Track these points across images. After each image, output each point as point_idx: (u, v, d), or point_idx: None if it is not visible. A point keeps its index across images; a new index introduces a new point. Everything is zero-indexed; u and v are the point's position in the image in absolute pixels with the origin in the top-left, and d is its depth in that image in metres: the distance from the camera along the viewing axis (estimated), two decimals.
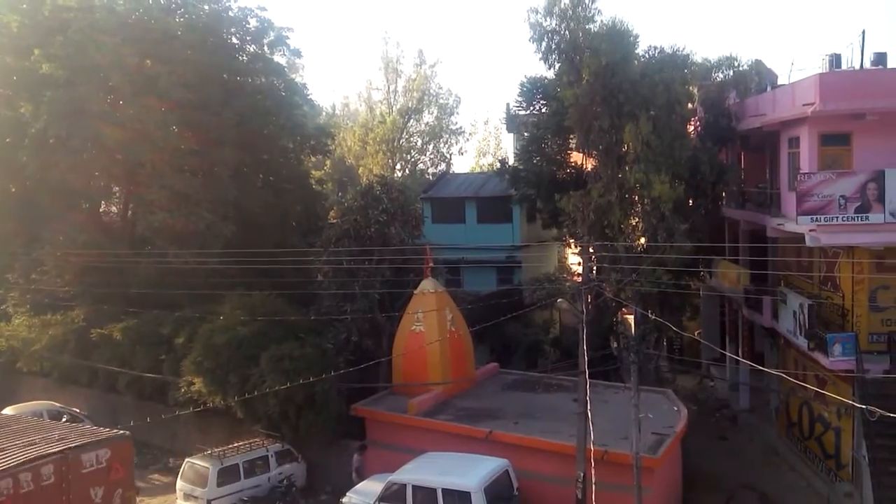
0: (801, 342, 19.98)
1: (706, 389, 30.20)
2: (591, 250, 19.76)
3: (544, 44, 24.97)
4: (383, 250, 24.01)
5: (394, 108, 52.54)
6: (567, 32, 24.58)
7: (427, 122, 53.84)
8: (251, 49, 32.00)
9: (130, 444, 17.82)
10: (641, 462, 16.57)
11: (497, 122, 58.99)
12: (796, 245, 20.81)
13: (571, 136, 26.57)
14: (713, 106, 26.29)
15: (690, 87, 24.72)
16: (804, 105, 19.56)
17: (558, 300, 28.52)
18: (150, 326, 26.55)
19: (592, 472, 16.21)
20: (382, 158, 51.00)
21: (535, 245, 34.39)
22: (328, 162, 46.48)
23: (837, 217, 18.58)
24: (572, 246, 27.97)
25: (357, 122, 54.57)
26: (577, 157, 28.07)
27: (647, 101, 23.11)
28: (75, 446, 16.38)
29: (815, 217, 18.74)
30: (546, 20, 24.83)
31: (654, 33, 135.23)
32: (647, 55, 25.19)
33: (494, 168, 37.22)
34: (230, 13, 30.94)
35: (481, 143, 61.39)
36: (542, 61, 25.53)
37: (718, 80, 27.02)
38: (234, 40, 31.56)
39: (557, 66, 25.48)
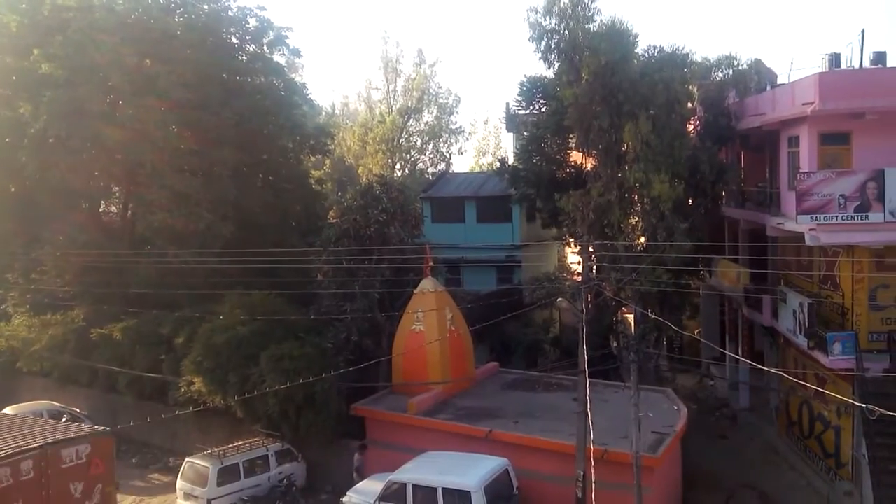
0: (801, 341, 19.99)
1: (706, 388, 30.21)
2: (590, 249, 19.77)
3: (544, 43, 24.99)
4: (383, 250, 24.01)
5: (393, 108, 52.54)
6: (566, 32, 24.59)
7: (427, 122, 53.88)
8: (251, 49, 31.97)
9: (111, 440, 18.00)
10: (641, 461, 16.57)
11: (497, 122, 59.05)
12: (796, 244, 20.83)
13: (571, 136, 26.58)
14: (713, 105, 26.30)
15: (690, 87, 24.73)
16: (804, 104, 19.56)
17: (558, 299, 28.55)
18: (149, 326, 26.55)
19: (592, 471, 16.21)
20: (382, 158, 50.99)
21: (534, 244, 34.41)
22: (328, 161, 46.47)
23: (837, 216, 18.57)
24: (572, 245, 27.97)
25: (356, 121, 54.56)
26: (576, 156, 28.08)
27: (647, 101, 23.12)
28: (54, 442, 16.51)
29: (814, 216, 18.74)
30: (545, 19, 24.85)
31: (653, 33, 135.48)
32: (646, 54, 25.22)
33: (494, 167, 37.20)
34: (230, 13, 30.92)
35: (481, 143, 61.46)
36: (541, 61, 25.60)
37: (718, 79, 27.04)
38: (234, 40, 31.54)
39: (557, 65, 25.51)
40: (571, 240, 26.96)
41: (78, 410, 27.63)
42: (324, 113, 52.90)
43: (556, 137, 28.01)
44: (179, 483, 21.28)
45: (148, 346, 26.22)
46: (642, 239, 23.88)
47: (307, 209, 33.44)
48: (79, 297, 29.17)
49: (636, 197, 24.00)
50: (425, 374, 22.88)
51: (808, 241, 19.19)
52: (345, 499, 19.49)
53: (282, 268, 24.58)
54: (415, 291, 23.74)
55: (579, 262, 21.23)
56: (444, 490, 17.26)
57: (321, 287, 25.02)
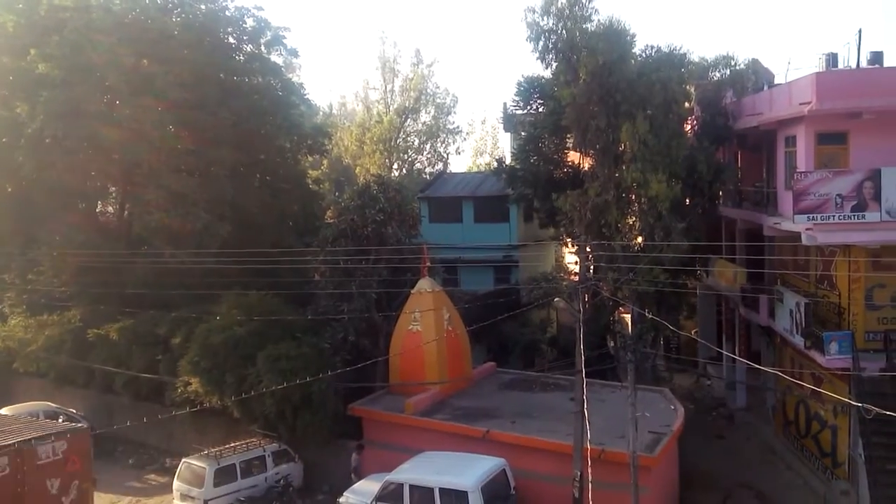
0: (798, 341, 20.01)
1: (703, 388, 30.23)
2: (588, 249, 19.79)
3: (541, 43, 25.00)
4: (380, 250, 24.01)
5: (391, 108, 52.50)
6: (564, 32, 24.60)
7: (424, 122, 53.82)
8: (248, 49, 31.97)
9: (87, 437, 18.18)
10: (638, 461, 16.57)
11: (494, 122, 59.14)
12: (793, 244, 20.86)
13: (568, 136, 26.59)
14: (710, 105, 26.32)
15: (687, 87, 24.76)
16: (801, 104, 19.57)
17: (555, 299, 28.55)
18: (146, 326, 26.50)
19: (589, 471, 16.22)
20: (379, 158, 50.96)
21: (532, 244, 34.37)
22: (325, 161, 46.45)
23: (834, 216, 18.59)
24: (569, 245, 28.01)
25: (354, 121, 54.54)
26: (574, 156, 28.08)
27: (644, 101, 23.13)
28: (30, 438, 16.67)
29: (811, 216, 18.75)
30: (543, 19, 24.86)
31: (650, 32, 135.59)
32: (643, 54, 25.23)
33: (491, 167, 37.25)
34: (227, 13, 30.91)
35: (478, 143, 61.46)
36: (539, 61, 25.62)
37: (715, 79, 27.05)
38: (231, 40, 31.52)
39: (554, 65, 25.51)
40: (569, 240, 26.99)
41: (74, 411, 27.57)
42: (321, 113, 52.88)
43: (554, 137, 28.01)
44: (176, 484, 21.22)
45: (144, 347, 26.17)
46: (639, 239, 23.88)
47: (304, 209, 33.43)
48: (75, 298, 29.12)
49: (633, 197, 24.00)
50: (422, 375, 22.87)
51: (804, 241, 19.22)
52: (342, 499, 19.46)
53: (279, 268, 24.56)
54: (412, 291, 23.71)
55: (577, 262, 21.28)
56: (441, 490, 17.25)
57: (318, 287, 25.01)
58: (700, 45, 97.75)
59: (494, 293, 30.17)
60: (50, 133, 26.34)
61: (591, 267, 24.03)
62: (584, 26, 24.52)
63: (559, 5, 24.63)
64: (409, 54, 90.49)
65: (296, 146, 33.90)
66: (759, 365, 22.14)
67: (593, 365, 20.88)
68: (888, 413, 11.91)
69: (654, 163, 22.42)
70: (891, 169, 18.46)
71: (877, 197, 18.36)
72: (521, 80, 31.19)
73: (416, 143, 54.21)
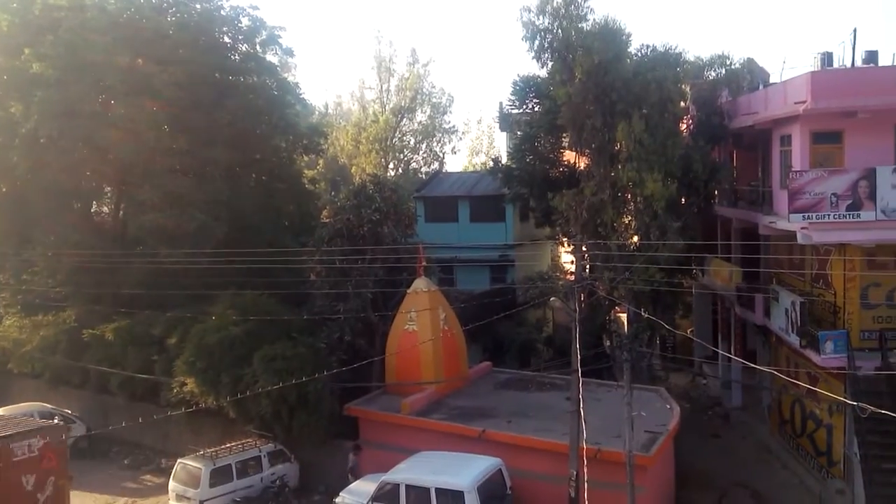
0: (793, 340, 20.04)
1: (699, 387, 30.26)
2: (583, 249, 19.77)
3: (537, 42, 24.98)
4: (376, 249, 23.97)
5: (387, 107, 52.46)
6: (559, 31, 24.59)
7: (420, 121, 53.81)
8: (243, 48, 31.88)
9: (64, 435, 18.36)
10: (634, 460, 16.60)
11: (490, 121, 59.08)
12: (788, 243, 20.88)
13: (564, 135, 26.58)
14: (705, 104, 26.32)
15: (683, 86, 24.76)
16: (796, 103, 19.60)
17: (551, 299, 28.54)
18: (141, 327, 26.46)
19: (585, 470, 16.19)
20: (375, 157, 50.93)
21: (528, 244, 34.35)
22: (321, 161, 46.38)
23: (829, 215, 18.61)
24: (565, 244, 28.01)
25: (350, 121, 54.49)
26: (569, 155, 28.07)
27: (640, 100, 23.14)
28: (5, 436, 16.77)
29: (806, 215, 18.76)
30: (539, 19, 24.84)
31: (646, 32, 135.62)
32: (639, 54, 25.22)
33: (487, 167, 37.16)
34: (222, 12, 30.84)
35: (474, 142, 61.38)
36: (534, 60, 25.60)
37: (711, 78, 27.05)
38: (227, 39, 31.45)
39: (550, 64, 25.48)
40: (565, 239, 26.99)
41: (69, 412, 27.54)
42: (317, 112, 52.76)
43: (550, 137, 27.99)
44: (172, 484, 21.19)
45: (140, 347, 26.13)
46: (635, 238, 23.89)
47: (300, 209, 33.39)
48: (70, 298, 29.04)
49: (629, 196, 24.01)
50: (418, 374, 22.85)
51: (800, 240, 19.25)
52: (338, 499, 19.45)
53: (275, 268, 24.51)
54: (408, 291, 23.71)
55: (572, 262, 21.25)
56: (438, 490, 17.23)
57: (314, 287, 24.98)
58: (695, 45, 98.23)
59: (490, 293, 30.18)
60: (45, 133, 26.28)
61: (587, 266, 24.02)
62: (579, 25, 24.52)
63: (555, 4, 24.62)
64: (404, 54, 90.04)
65: (291, 146, 33.85)
66: (755, 364, 22.16)
67: (589, 364, 20.89)
68: (883, 412, 11.94)
69: (649, 162, 22.44)
70: (886, 168, 18.50)
71: (872, 196, 18.37)
72: (517, 79, 31.18)
73: (412, 142, 54.21)
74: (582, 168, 26.00)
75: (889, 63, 21.97)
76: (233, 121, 28.73)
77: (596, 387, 22.73)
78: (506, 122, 36.06)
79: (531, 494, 18.79)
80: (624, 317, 30.07)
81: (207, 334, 22.97)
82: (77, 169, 28.58)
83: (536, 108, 30.10)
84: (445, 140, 55.13)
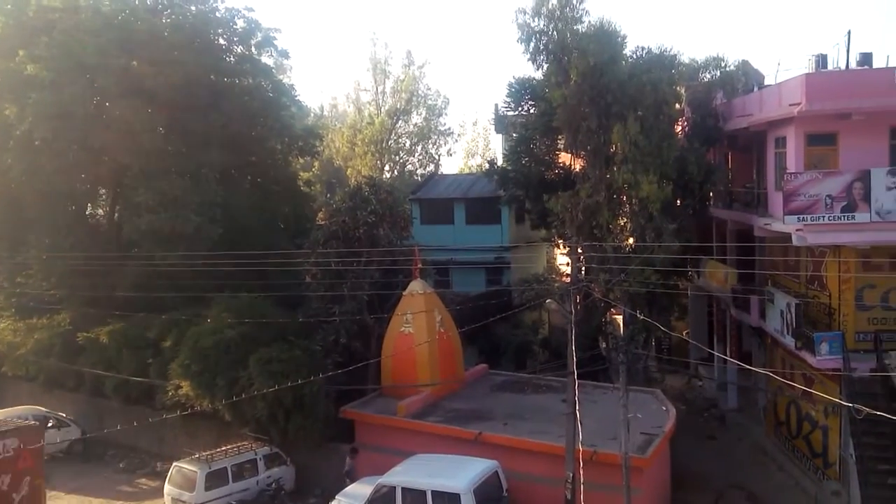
0: (789, 341, 20.06)
1: (694, 389, 30.29)
2: (579, 251, 19.76)
3: (532, 44, 25.01)
4: (372, 252, 23.94)
5: (382, 109, 52.43)
6: (555, 33, 24.61)
7: (415, 123, 53.78)
8: (238, 50, 31.84)
9: (40, 435, 18.53)
10: (630, 462, 16.60)
11: (485, 123, 59.03)
12: (783, 245, 20.90)
13: (560, 137, 26.59)
14: (700, 106, 26.38)
15: (678, 88, 24.79)
16: (790, 105, 19.65)
17: (547, 301, 28.53)
18: (136, 330, 26.37)
19: (581, 472, 16.22)
20: (371, 160, 50.89)
21: (523, 246, 34.41)
22: (316, 163, 46.32)
23: (824, 216, 18.66)
24: (561, 246, 27.98)
25: (345, 123, 54.41)
26: (565, 157, 28.09)
27: (635, 102, 23.16)
28: None
29: (801, 216, 18.82)
30: (534, 21, 24.87)
31: (641, 34, 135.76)
32: (634, 56, 25.26)
33: (483, 169, 37.21)
34: (217, 14, 30.79)
35: (470, 144, 61.44)
36: (530, 62, 25.62)
37: (706, 80, 27.11)
38: (222, 41, 31.39)
39: (545, 66, 25.51)
40: (560, 241, 26.97)
41: (64, 415, 27.44)
42: (312, 114, 52.71)
43: (545, 139, 28.02)
44: (167, 488, 21.13)
45: (135, 350, 26.04)
46: (631, 240, 23.91)
47: (295, 211, 33.35)
48: (65, 301, 28.96)
49: (624, 198, 24.03)
50: (414, 377, 22.82)
51: (795, 242, 19.28)
52: (333, 503, 19.37)
53: (270, 270, 24.46)
54: (404, 293, 23.69)
55: (568, 264, 21.24)
56: (434, 493, 17.21)
57: (310, 289, 24.91)
58: (690, 47, 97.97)
59: (486, 295, 30.15)
60: (39, 135, 26.21)
61: (583, 268, 24.02)
62: (574, 27, 24.54)
63: (550, 6, 24.65)
64: (400, 55, 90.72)
65: (287, 148, 33.81)
66: (751, 366, 22.16)
67: (585, 366, 20.84)
68: (879, 413, 11.98)
69: (644, 164, 22.45)
70: (880, 170, 18.56)
71: (866, 197, 18.43)
72: (513, 81, 31.24)
73: (408, 144, 54.20)
74: (577, 170, 26.02)
75: (883, 65, 22.03)
76: (228, 123, 28.68)
77: (592, 389, 22.72)
78: (501, 124, 36.11)
79: (527, 497, 18.76)
80: (620, 319, 30.10)
81: (203, 337, 22.90)
82: (71, 171, 28.49)
83: (532, 110, 30.14)
84: (441, 142, 55.22)
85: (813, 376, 20.15)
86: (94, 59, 26.44)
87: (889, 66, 21.24)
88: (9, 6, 28.83)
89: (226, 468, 21.04)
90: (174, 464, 21.42)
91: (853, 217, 18.57)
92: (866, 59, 22.17)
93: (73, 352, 28.10)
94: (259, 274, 24.31)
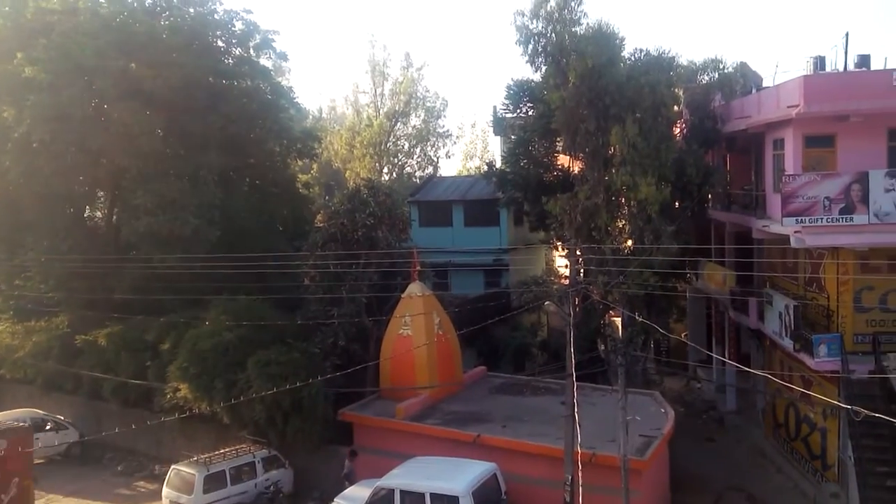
0: (787, 343, 20.06)
1: (693, 391, 30.30)
2: (578, 253, 19.78)
3: (531, 46, 24.99)
4: (370, 254, 23.94)
5: (381, 112, 52.43)
6: (553, 35, 24.61)
7: (414, 126, 53.77)
8: (237, 52, 31.82)
9: (28, 436, 18.65)
10: (629, 464, 16.61)
11: (484, 125, 59.06)
12: (782, 246, 20.92)
13: (558, 139, 26.60)
14: (699, 108, 26.40)
15: (676, 90, 24.80)
16: (789, 107, 19.66)
17: (546, 303, 28.53)
18: (135, 332, 26.33)
19: (580, 474, 16.19)
20: (369, 162, 50.88)
21: (522, 248, 34.41)
22: (315, 165, 46.31)
23: (822, 218, 18.68)
24: (559, 248, 28.00)
25: (344, 125, 54.40)
26: (563, 159, 28.12)
27: (633, 104, 23.16)
28: None
29: (799, 218, 18.84)
30: (532, 23, 24.86)
31: (639, 36, 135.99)
32: (632, 58, 25.28)
33: (481, 171, 37.20)
34: (216, 16, 30.77)
35: (468, 147, 61.40)
36: (528, 64, 25.60)
37: (704, 82, 27.10)
38: (220, 43, 31.37)
39: (544, 68, 25.52)
40: (559, 243, 26.98)
41: (62, 418, 27.41)
42: (311, 117, 52.72)
43: (544, 141, 28.03)
44: (165, 491, 21.10)
45: (133, 353, 26.00)
46: (629, 242, 23.91)
47: (294, 213, 33.32)
48: (63, 303, 28.93)
49: (623, 200, 24.04)
50: (413, 379, 22.79)
51: (793, 244, 19.28)
52: None
53: (269, 272, 24.43)
54: (402, 296, 23.67)
55: (567, 266, 21.24)
56: (433, 495, 17.19)
57: (308, 292, 24.90)
58: (688, 49, 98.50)
59: (485, 297, 30.13)
60: (37, 137, 26.15)
61: (582, 270, 24.04)
62: (573, 30, 24.54)
63: (548, 9, 24.65)
64: (398, 58, 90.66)
65: (285, 150, 33.78)
66: (749, 368, 22.18)
67: (584, 368, 20.82)
68: (877, 415, 11.96)
69: (643, 166, 22.46)
70: (878, 172, 18.58)
71: (864, 199, 18.46)
72: (511, 83, 31.23)
73: (406, 146, 54.18)
74: (576, 172, 26.03)
75: (881, 67, 22.05)
76: (226, 125, 28.65)
77: (590, 391, 22.68)
78: (500, 126, 36.11)
79: (526, 499, 18.74)
80: (618, 321, 30.10)
81: (201, 339, 22.87)
82: (70, 173, 28.46)
83: (530, 112, 30.14)
84: (440, 144, 55.21)
85: (811, 378, 20.15)
86: (93, 61, 26.42)
87: (887, 67, 21.25)
88: (7, 8, 28.82)
89: (224, 471, 21.01)
90: (172, 466, 21.38)
91: (851, 219, 18.60)
92: (864, 60, 22.19)
93: (71, 354, 28.06)
94: (257, 276, 24.27)
